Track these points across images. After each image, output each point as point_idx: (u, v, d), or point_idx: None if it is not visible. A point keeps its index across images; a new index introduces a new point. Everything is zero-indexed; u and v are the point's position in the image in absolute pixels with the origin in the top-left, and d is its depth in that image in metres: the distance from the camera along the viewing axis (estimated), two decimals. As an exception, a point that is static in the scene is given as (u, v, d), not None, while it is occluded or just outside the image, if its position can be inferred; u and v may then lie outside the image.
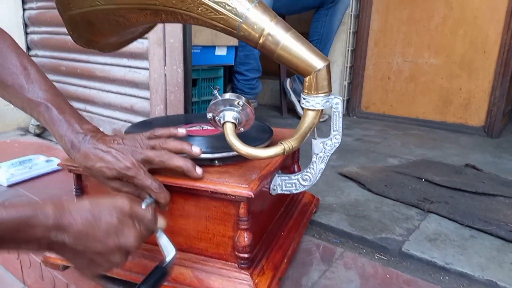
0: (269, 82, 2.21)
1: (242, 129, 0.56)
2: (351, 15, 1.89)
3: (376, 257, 0.73)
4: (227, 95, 0.53)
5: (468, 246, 0.75)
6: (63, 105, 0.59)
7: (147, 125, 0.77)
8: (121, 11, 0.55)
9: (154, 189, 0.54)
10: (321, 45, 1.74)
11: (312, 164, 0.62)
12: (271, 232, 0.67)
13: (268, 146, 0.66)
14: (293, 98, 1.89)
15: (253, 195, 0.51)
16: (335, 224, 0.81)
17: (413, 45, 1.82)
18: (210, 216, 0.57)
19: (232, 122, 0.53)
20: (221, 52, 1.32)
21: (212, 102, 0.53)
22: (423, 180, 1.05)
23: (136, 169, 0.53)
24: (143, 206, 0.54)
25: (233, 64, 1.44)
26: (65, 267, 0.65)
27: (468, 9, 1.65)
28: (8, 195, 0.94)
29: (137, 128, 0.73)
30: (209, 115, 0.55)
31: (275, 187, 0.65)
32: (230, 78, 1.55)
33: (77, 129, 0.57)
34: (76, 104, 1.27)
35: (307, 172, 0.62)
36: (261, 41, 0.54)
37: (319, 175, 0.62)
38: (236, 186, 0.53)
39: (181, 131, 0.58)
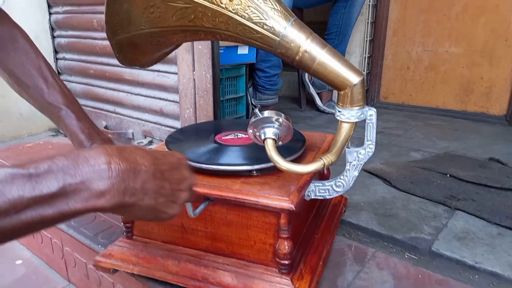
0: (287, 74, 2.21)
1: (280, 143, 0.59)
2: (369, 5, 1.88)
3: (406, 256, 0.76)
4: (267, 113, 0.56)
5: (496, 244, 0.77)
6: (79, 111, 0.66)
7: (184, 133, 0.80)
8: (163, 33, 0.57)
9: None
10: (339, 37, 1.74)
11: (346, 172, 0.64)
12: (306, 236, 0.71)
13: (302, 154, 0.70)
14: (312, 90, 1.90)
15: (294, 208, 0.55)
16: (364, 223, 0.84)
17: (433, 34, 1.81)
18: (251, 224, 0.61)
19: (273, 138, 0.56)
20: (243, 51, 1.33)
21: (253, 119, 0.56)
22: (448, 175, 1.07)
23: None
24: None
25: (255, 61, 1.46)
26: (115, 271, 0.70)
27: (490, -3, 1.62)
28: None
29: (177, 134, 0.76)
30: (250, 131, 0.57)
31: (309, 193, 0.67)
32: (251, 74, 1.57)
33: (93, 138, 0.65)
34: (105, 106, 1.31)
35: (340, 178, 0.65)
36: (297, 57, 0.56)
37: (352, 182, 0.65)
38: (277, 199, 0.56)
39: None
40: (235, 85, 1.39)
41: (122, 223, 0.71)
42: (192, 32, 0.58)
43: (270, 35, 0.56)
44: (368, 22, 1.92)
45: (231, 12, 0.54)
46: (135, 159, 0.39)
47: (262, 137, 0.57)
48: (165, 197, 0.42)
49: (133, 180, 0.37)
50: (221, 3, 0.54)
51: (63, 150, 0.37)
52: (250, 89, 1.60)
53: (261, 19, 0.55)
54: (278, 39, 0.56)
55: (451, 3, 1.72)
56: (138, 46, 0.59)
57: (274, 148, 0.55)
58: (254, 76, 1.55)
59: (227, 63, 1.31)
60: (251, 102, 1.59)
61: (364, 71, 2.00)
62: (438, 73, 1.84)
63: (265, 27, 0.56)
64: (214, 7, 0.54)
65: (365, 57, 1.98)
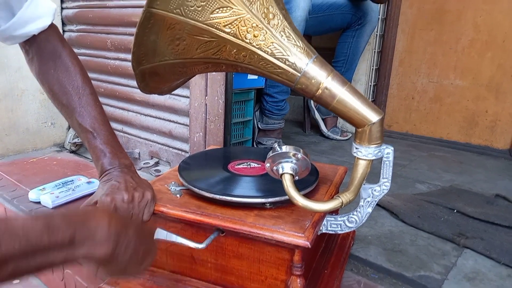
0: (292, 98, 2.22)
1: (297, 177, 0.58)
2: (376, 35, 1.91)
3: (415, 295, 0.75)
4: (285, 148, 0.56)
5: (506, 286, 0.76)
6: (106, 135, 0.67)
7: (196, 159, 0.80)
8: (186, 64, 0.58)
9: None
10: (346, 65, 1.76)
11: (359, 208, 0.64)
12: (315, 271, 0.69)
13: (316, 187, 0.69)
14: (317, 116, 1.91)
15: (309, 245, 0.54)
16: (373, 259, 0.83)
17: (438, 66, 1.83)
18: (263, 259, 0.60)
19: (290, 174, 0.56)
20: (253, 76, 1.34)
21: (272, 153, 0.56)
22: (455, 211, 1.06)
23: None
24: None
25: (263, 86, 1.47)
26: (120, 299, 0.68)
27: (497, 33, 1.65)
28: (54, 217, 0.98)
29: (189, 160, 0.76)
30: (267, 165, 0.57)
31: (321, 227, 0.67)
32: (258, 98, 1.58)
33: (114, 162, 0.65)
34: (113, 125, 1.31)
35: (353, 214, 0.64)
36: (318, 93, 0.57)
37: (366, 218, 0.64)
38: (292, 235, 0.55)
39: None
40: (243, 109, 1.40)
41: (130, 250, 0.70)
42: (214, 64, 0.59)
43: (291, 70, 0.56)
44: (374, 52, 1.95)
45: (255, 47, 0.55)
46: (127, 222, 0.47)
47: (280, 172, 0.56)
48: (137, 258, 0.48)
49: (123, 236, 0.44)
50: (246, 38, 0.54)
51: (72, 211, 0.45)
52: (257, 113, 1.60)
53: (283, 55, 0.56)
54: (299, 75, 0.56)
55: (457, 37, 1.75)
56: (160, 75, 0.60)
57: (291, 184, 0.55)
58: (262, 100, 1.56)
59: (237, 88, 1.32)
60: (258, 126, 1.60)
61: (369, 98, 2.02)
62: (442, 105, 1.85)
63: (287, 63, 0.56)
64: (239, 41, 0.54)
65: (370, 85, 2.00)
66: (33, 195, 1.04)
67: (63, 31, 1.44)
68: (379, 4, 1.72)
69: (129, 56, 1.23)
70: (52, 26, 0.71)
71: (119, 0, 1.19)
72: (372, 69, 1.98)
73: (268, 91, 1.51)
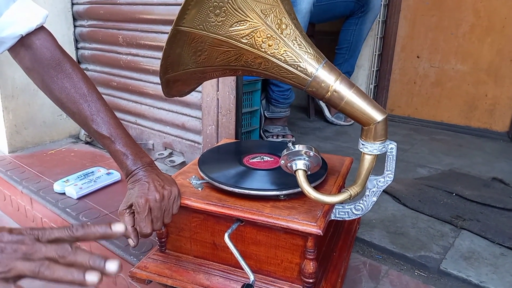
0: (296, 84, 2.27)
1: (309, 172, 0.65)
2: (379, 21, 1.93)
3: (416, 273, 0.82)
4: (297, 147, 0.62)
5: (499, 264, 0.83)
6: (123, 137, 0.70)
7: (214, 153, 0.86)
8: (206, 71, 0.63)
9: None
10: (350, 52, 1.79)
11: (365, 197, 0.70)
12: (325, 254, 0.76)
13: (325, 178, 0.76)
14: (321, 102, 1.95)
15: (321, 233, 0.60)
16: (377, 241, 0.90)
17: (440, 51, 1.87)
18: (279, 245, 0.67)
19: (303, 170, 0.62)
20: (260, 67, 1.39)
21: (286, 152, 0.62)
22: (454, 194, 1.13)
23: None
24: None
25: (270, 76, 1.51)
26: (149, 281, 0.76)
27: (497, 19, 1.68)
28: (80, 207, 1.05)
29: (208, 154, 0.82)
30: (282, 162, 0.63)
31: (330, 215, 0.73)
32: (264, 87, 1.63)
33: (137, 163, 0.69)
34: (126, 117, 1.37)
35: (360, 203, 0.71)
36: (327, 96, 0.62)
37: (371, 206, 0.71)
38: (306, 224, 0.62)
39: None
40: (251, 99, 1.45)
41: (156, 238, 0.77)
42: (231, 70, 0.64)
43: (303, 75, 0.62)
44: (377, 37, 1.98)
45: (269, 55, 0.60)
46: None
47: (294, 168, 0.62)
48: None
49: None
50: (261, 48, 0.60)
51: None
52: (263, 102, 1.66)
53: (295, 61, 0.61)
54: (310, 79, 0.62)
55: (458, 23, 1.78)
56: (182, 81, 0.65)
57: (305, 179, 0.61)
58: (268, 90, 1.61)
59: (244, 79, 1.36)
60: (264, 114, 1.65)
61: (372, 83, 2.07)
62: (443, 89, 1.90)
63: (299, 68, 0.62)
64: (255, 50, 0.60)
65: (373, 71, 2.04)
66: (58, 186, 1.11)
67: (74, 26, 1.48)
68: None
69: (140, 52, 1.28)
70: (46, 32, 0.71)
71: (129, -3, 1.23)
72: (375, 54, 2.01)
73: (274, 81, 1.56)
